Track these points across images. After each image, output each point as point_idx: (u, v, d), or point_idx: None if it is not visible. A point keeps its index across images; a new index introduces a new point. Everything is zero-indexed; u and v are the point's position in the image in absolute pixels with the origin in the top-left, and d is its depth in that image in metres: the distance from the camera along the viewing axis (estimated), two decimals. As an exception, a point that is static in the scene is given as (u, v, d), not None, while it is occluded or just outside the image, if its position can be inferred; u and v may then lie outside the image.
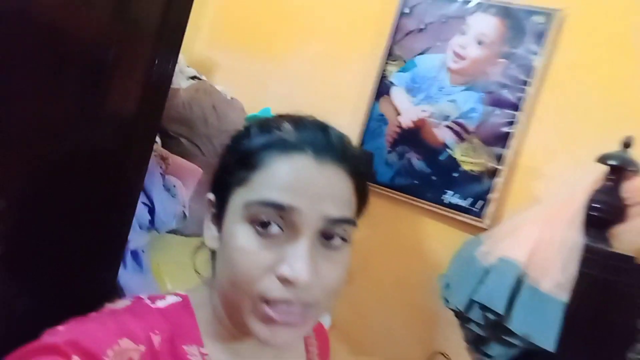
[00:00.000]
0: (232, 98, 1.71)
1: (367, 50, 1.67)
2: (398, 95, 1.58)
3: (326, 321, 1.57)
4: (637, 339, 1.20)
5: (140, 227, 1.24)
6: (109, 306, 0.59)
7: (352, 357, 1.60)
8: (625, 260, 1.19)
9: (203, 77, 1.72)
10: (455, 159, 1.50)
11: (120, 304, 0.60)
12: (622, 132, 1.22)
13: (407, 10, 1.58)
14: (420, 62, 1.56)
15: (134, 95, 0.97)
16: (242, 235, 0.55)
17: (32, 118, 0.81)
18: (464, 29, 1.51)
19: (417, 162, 1.54)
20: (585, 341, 1.21)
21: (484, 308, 1.22)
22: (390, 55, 1.60)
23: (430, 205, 1.52)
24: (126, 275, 1.15)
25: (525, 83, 1.42)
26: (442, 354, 1.48)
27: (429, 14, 1.55)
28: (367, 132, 1.62)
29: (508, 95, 1.44)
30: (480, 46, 1.48)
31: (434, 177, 1.52)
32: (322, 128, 0.61)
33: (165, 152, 1.41)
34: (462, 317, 1.33)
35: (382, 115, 1.60)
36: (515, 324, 1.18)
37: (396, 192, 1.56)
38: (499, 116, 1.45)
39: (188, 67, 1.74)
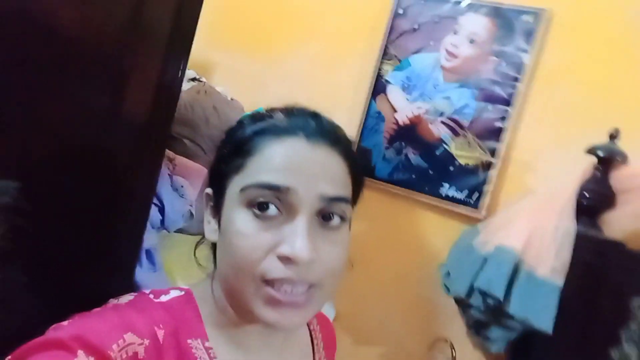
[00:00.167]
0: (232, 99, 1.75)
1: (363, 50, 1.72)
2: (394, 93, 1.64)
3: (330, 313, 1.63)
4: (628, 319, 1.27)
5: (152, 227, 1.28)
6: (113, 301, 0.60)
7: (356, 346, 1.66)
8: (615, 245, 1.27)
9: (203, 79, 1.75)
10: (451, 153, 1.56)
11: (124, 299, 0.61)
12: (609, 125, 1.29)
13: (400, 11, 1.64)
14: (415, 61, 1.62)
15: (148, 100, 1.01)
16: (240, 220, 0.56)
17: (55, 122, 0.84)
18: (456, 29, 1.57)
19: (414, 157, 1.60)
20: (579, 323, 1.28)
21: (484, 294, 1.28)
22: (385, 55, 1.65)
23: (428, 198, 1.58)
24: (142, 274, 1.19)
25: (515, 79, 1.49)
26: (444, 340, 1.54)
27: (422, 15, 1.61)
28: (364, 129, 1.67)
29: (500, 91, 1.50)
30: (472, 45, 1.54)
31: (431, 171, 1.58)
32: (313, 114, 0.62)
33: (171, 154, 1.45)
34: (463, 304, 1.40)
35: (379, 112, 1.66)
36: (513, 308, 1.24)
37: (395, 187, 1.62)
38: (491, 112, 1.51)
39: (188, 69, 1.77)
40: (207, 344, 0.59)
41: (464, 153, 1.54)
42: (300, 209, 0.55)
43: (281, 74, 1.82)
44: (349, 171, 0.61)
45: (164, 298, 0.61)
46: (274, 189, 0.55)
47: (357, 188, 0.64)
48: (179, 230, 1.44)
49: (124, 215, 1.02)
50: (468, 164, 1.53)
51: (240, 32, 1.91)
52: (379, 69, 1.66)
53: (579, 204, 1.29)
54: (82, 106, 0.88)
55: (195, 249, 0.73)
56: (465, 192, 1.53)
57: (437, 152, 1.58)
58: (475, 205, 1.52)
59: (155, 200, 1.28)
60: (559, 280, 1.23)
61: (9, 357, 0.49)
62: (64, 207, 0.90)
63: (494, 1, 1.52)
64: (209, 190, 0.65)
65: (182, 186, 1.39)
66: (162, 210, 1.31)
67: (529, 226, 1.30)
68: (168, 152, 1.46)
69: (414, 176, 1.60)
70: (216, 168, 0.63)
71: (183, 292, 0.64)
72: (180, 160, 1.46)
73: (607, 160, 1.27)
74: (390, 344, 1.65)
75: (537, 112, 1.48)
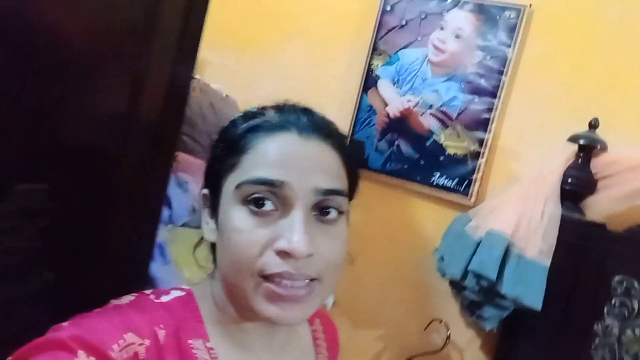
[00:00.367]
0: (226, 95, 1.79)
1: (352, 46, 1.78)
2: (384, 87, 1.70)
3: (329, 299, 1.70)
4: (610, 295, 1.37)
5: (161, 222, 1.32)
6: (114, 302, 0.60)
7: (355, 330, 1.74)
8: (596, 227, 1.37)
9: (197, 76, 1.79)
10: (440, 144, 1.63)
11: (125, 299, 0.60)
12: (589, 115, 1.38)
13: (388, 8, 1.70)
14: (404, 56, 1.68)
15: (160, 102, 1.05)
16: (236, 217, 0.56)
17: (75, 126, 0.88)
18: (442, 25, 1.64)
19: (405, 148, 1.67)
20: (564, 300, 1.38)
21: (477, 276, 1.37)
22: (375, 51, 1.72)
23: (419, 187, 1.66)
24: (155, 267, 1.24)
25: (500, 72, 1.57)
26: (439, 321, 1.63)
27: (409, 11, 1.67)
28: (357, 122, 1.73)
29: (485, 84, 1.58)
30: (457, 40, 1.61)
31: (422, 161, 1.65)
32: (304, 110, 0.62)
33: (174, 151, 1.49)
34: (457, 286, 1.48)
35: (370, 106, 1.72)
36: (505, 288, 1.33)
37: (388, 177, 1.69)
38: (478, 103, 1.59)
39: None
40: (208, 344, 0.59)
41: (453, 143, 1.62)
42: (296, 203, 0.55)
43: (272, 71, 1.87)
44: (343, 164, 0.61)
45: (164, 298, 0.61)
46: (269, 184, 0.55)
47: (352, 181, 0.64)
48: (184, 224, 1.49)
49: (140, 213, 1.06)
50: (457, 154, 1.61)
51: (231, 30, 1.94)
52: (369, 64, 1.72)
53: (563, 189, 1.38)
54: (100, 110, 0.92)
55: (194, 250, 0.73)
56: (455, 180, 1.61)
57: (428, 143, 1.65)
58: (464, 193, 1.60)
59: (162, 197, 1.32)
60: (547, 261, 1.32)
61: (10, 358, 0.50)
62: (85, 208, 0.94)
63: (478, -2, 1.60)
64: (205, 191, 0.65)
65: (186, 182, 1.44)
66: (169, 205, 1.35)
67: (518, 211, 1.39)
68: (170, 150, 1.50)
69: (405, 166, 1.67)
70: (211, 168, 0.63)
71: (184, 292, 0.63)
72: (183, 156, 1.50)
73: (588, 148, 1.36)
74: (388, 327, 1.73)
75: (521, 103, 1.57)
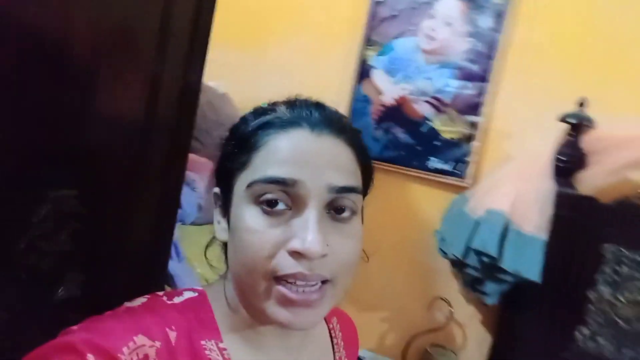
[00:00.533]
0: (224, 93, 1.82)
1: (346, 38, 1.82)
2: (379, 76, 1.75)
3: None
4: (602, 264, 1.45)
5: (173, 220, 1.36)
6: (126, 304, 0.59)
7: (361, 313, 1.80)
8: (588, 200, 1.44)
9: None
10: (435, 129, 1.69)
11: (137, 301, 0.59)
12: (578, 94, 1.45)
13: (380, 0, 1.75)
14: (396, 46, 1.73)
15: (176, 105, 1.09)
16: (249, 216, 0.54)
17: (100, 130, 0.91)
18: (432, 13, 1.69)
19: (401, 135, 1.73)
20: (560, 270, 1.45)
21: (479, 253, 1.44)
22: (368, 41, 1.76)
23: (417, 172, 1.72)
24: (172, 265, 1.28)
25: (490, 57, 1.63)
26: (442, 299, 1.70)
27: (400, 2, 1.72)
28: (353, 112, 1.79)
29: (476, 69, 1.65)
30: (448, 27, 1.67)
31: (418, 147, 1.72)
32: (316, 105, 0.61)
33: (179, 150, 1.52)
34: (459, 264, 1.55)
35: (365, 96, 1.77)
36: (506, 263, 1.40)
37: (385, 164, 1.75)
38: (470, 88, 1.65)
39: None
40: (221, 345, 0.58)
41: (448, 128, 1.68)
42: (309, 202, 0.53)
43: (270, 66, 1.90)
44: (356, 160, 0.59)
45: (177, 300, 0.60)
46: (281, 182, 0.53)
47: (366, 177, 0.62)
48: (192, 222, 1.53)
49: (161, 212, 1.10)
50: (452, 138, 1.68)
51: (228, 27, 1.96)
52: (363, 55, 1.77)
53: (555, 166, 1.46)
54: (120, 115, 0.95)
55: (205, 249, 0.71)
56: (451, 163, 1.68)
57: (423, 129, 1.71)
58: (461, 175, 1.67)
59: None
60: (544, 235, 1.40)
61: None
62: (110, 211, 0.98)
63: (466, -14, 1.66)
64: (217, 190, 0.63)
65: (193, 180, 1.47)
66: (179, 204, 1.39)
67: (514, 190, 1.46)
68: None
69: (402, 153, 1.73)
70: (222, 166, 0.62)
71: (197, 294, 0.62)
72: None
73: (578, 126, 1.44)
74: (392, 308, 1.80)
75: (511, 86, 1.63)
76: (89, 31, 0.84)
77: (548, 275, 1.41)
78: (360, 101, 1.78)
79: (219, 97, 1.79)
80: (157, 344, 0.53)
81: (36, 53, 0.75)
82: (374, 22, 1.75)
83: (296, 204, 0.54)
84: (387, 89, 1.74)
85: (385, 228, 1.78)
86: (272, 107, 0.61)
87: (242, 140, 0.58)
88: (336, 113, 0.62)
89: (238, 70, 1.91)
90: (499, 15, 1.61)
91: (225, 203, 0.60)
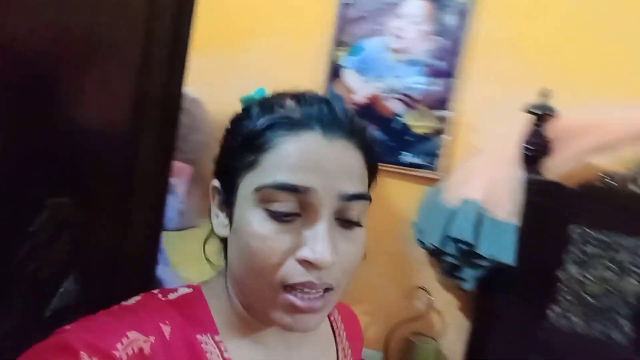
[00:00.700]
0: (195, 98, 1.83)
1: (317, 39, 1.86)
2: (350, 76, 1.80)
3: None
4: (569, 244, 1.54)
5: (158, 226, 1.37)
6: (122, 303, 0.58)
7: (344, 307, 1.84)
8: (554, 185, 1.53)
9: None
10: (407, 125, 1.76)
11: (132, 300, 0.59)
12: (540, 85, 1.54)
13: (347, 1, 1.80)
14: (366, 46, 1.79)
15: (161, 113, 1.10)
16: (256, 221, 0.53)
17: (94, 140, 0.92)
18: (399, 13, 1.75)
19: (374, 132, 1.79)
20: (531, 252, 1.53)
21: (456, 241, 1.50)
22: (338, 42, 1.81)
23: (391, 167, 1.78)
24: (160, 269, 1.29)
25: (456, 54, 1.70)
26: (420, 288, 1.76)
27: (368, 3, 1.78)
28: (327, 112, 1.82)
29: (443, 66, 1.72)
30: (415, 27, 1.74)
31: (391, 143, 1.77)
32: (326, 102, 0.58)
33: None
34: (437, 253, 1.61)
35: (338, 95, 1.82)
36: (482, 249, 1.47)
37: (360, 161, 1.79)
38: (438, 84, 1.72)
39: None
40: (217, 338, 0.57)
41: (418, 123, 1.75)
42: (320, 209, 0.52)
43: (240, 70, 1.92)
44: (365, 163, 0.58)
45: (172, 296, 0.60)
46: (292, 189, 0.51)
47: (371, 178, 0.61)
48: (174, 227, 1.53)
49: (151, 219, 1.11)
50: (423, 133, 1.74)
51: (197, 32, 1.97)
52: (334, 56, 1.82)
53: (523, 155, 1.54)
54: (109, 125, 0.96)
55: (204, 245, 0.69)
56: (424, 157, 1.74)
57: (395, 125, 1.77)
58: (433, 168, 1.74)
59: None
60: (516, 220, 1.47)
61: None
62: (104, 218, 0.99)
63: (430, -14, 1.73)
64: (216, 184, 0.61)
65: (173, 185, 1.48)
66: (162, 209, 1.40)
67: (485, 179, 1.53)
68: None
69: (376, 149, 1.78)
70: (225, 162, 0.59)
71: (191, 289, 0.62)
72: (167, 160, 1.54)
73: (542, 116, 1.52)
74: (373, 301, 1.85)
75: (477, 80, 1.71)
76: (77, 41, 0.85)
77: (520, 259, 1.49)
78: (332, 101, 1.82)
79: (191, 101, 1.80)
80: (151, 338, 0.52)
81: (27, 63, 0.76)
82: (343, 23, 1.80)
83: (306, 211, 0.53)
84: (359, 88, 1.79)
85: (364, 222, 1.83)
86: (279, 100, 0.58)
87: (248, 138, 0.55)
88: (346, 112, 0.58)
89: (207, 74, 1.92)
90: (463, 14, 1.69)
91: (227, 200, 0.58)
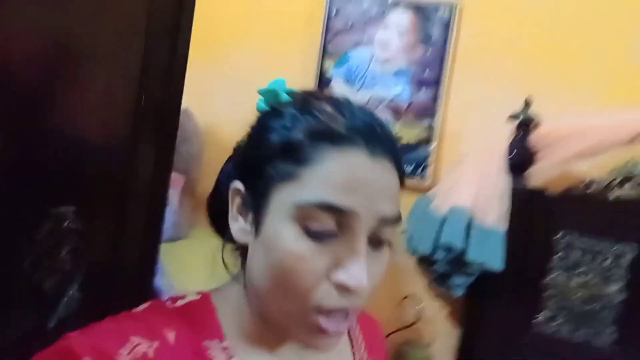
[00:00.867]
0: (185, 108, 1.82)
1: (304, 49, 1.88)
2: (338, 86, 1.82)
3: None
4: (555, 250, 1.57)
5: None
6: (131, 310, 0.59)
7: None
8: (538, 193, 1.57)
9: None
10: (395, 134, 1.78)
11: (140, 307, 0.59)
12: (524, 93, 1.58)
13: (333, 13, 1.82)
14: (353, 56, 1.81)
15: (159, 125, 1.10)
16: (292, 238, 0.51)
17: (96, 150, 0.92)
18: (385, 24, 1.78)
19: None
20: (517, 259, 1.56)
21: (447, 249, 1.52)
22: (325, 52, 1.83)
23: (379, 176, 1.79)
24: (157, 280, 1.28)
25: (441, 63, 1.74)
26: (410, 296, 1.78)
27: (354, 14, 1.81)
28: (315, 122, 1.84)
29: (429, 75, 1.75)
30: (400, 37, 1.77)
31: (379, 152, 1.79)
32: (369, 116, 0.56)
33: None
34: (427, 261, 1.63)
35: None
36: (472, 255, 1.49)
37: (349, 170, 1.81)
38: (424, 93, 1.76)
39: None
40: (224, 344, 0.57)
41: (406, 133, 1.77)
42: (359, 232, 0.51)
43: (227, 80, 1.93)
44: (399, 182, 0.56)
45: (179, 303, 0.59)
46: (337, 211, 0.50)
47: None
48: (168, 238, 1.52)
49: (150, 230, 1.11)
50: (411, 142, 1.77)
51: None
52: (321, 66, 1.84)
53: (508, 162, 1.57)
54: (111, 136, 0.97)
55: (222, 252, 0.65)
56: (412, 166, 1.77)
57: (383, 135, 1.79)
58: (421, 176, 1.76)
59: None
60: (503, 227, 1.50)
61: None
62: (106, 228, 0.99)
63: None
64: (239, 185, 0.57)
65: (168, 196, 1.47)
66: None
67: (473, 187, 1.56)
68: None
69: (365, 158, 1.80)
70: (253, 164, 0.56)
71: (199, 296, 0.61)
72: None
73: (525, 124, 1.56)
74: (364, 310, 1.85)
75: (462, 90, 1.75)
76: (77, 51, 0.85)
77: (508, 265, 1.51)
78: (320, 111, 1.83)
79: (182, 113, 1.80)
80: (155, 343, 0.52)
81: (29, 73, 0.76)
82: (330, 34, 1.82)
83: (343, 232, 0.51)
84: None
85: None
86: (316, 104, 0.55)
87: (288, 147, 0.52)
88: (386, 127, 0.56)
89: (195, 84, 1.92)
90: (446, 25, 1.73)
91: (253, 205, 0.55)
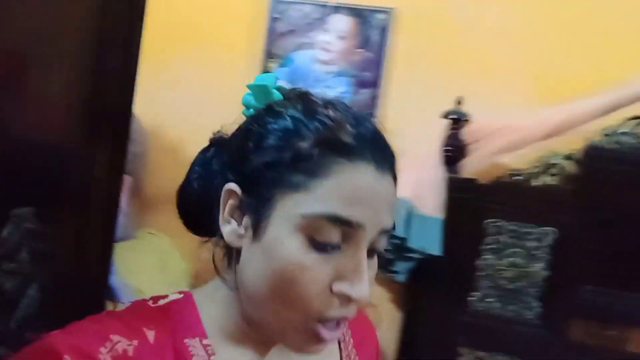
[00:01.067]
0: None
1: (247, 52, 1.93)
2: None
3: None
4: (482, 235, 1.72)
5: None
6: (113, 310, 0.59)
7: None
8: (470, 182, 1.71)
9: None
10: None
11: (121, 306, 0.59)
12: (454, 93, 1.72)
13: (277, 15, 1.89)
14: (296, 58, 1.89)
15: (112, 130, 1.12)
16: (296, 248, 0.50)
17: (51, 155, 0.94)
18: (326, 28, 1.88)
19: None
20: (452, 244, 1.70)
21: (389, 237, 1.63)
22: (269, 54, 1.90)
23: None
24: (111, 278, 1.30)
25: (379, 65, 1.86)
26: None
27: (296, 18, 1.89)
28: (260, 122, 1.90)
29: (368, 76, 1.87)
30: (341, 40, 1.87)
31: (322, 150, 1.88)
32: (372, 123, 0.56)
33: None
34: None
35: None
36: (413, 242, 1.61)
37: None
38: (365, 94, 1.87)
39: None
40: (205, 342, 0.56)
41: (348, 130, 1.87)
42: (362, 244, 0.51)
43: (173, 83, 1.95)
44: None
45: (161, 302, 0.58)
46: (346, 224, 0.49)
47: None
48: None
49: (107, 230, 1.13)
50: (352, 140, 1.87)
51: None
52: (265, 68, 1.90)
53: (443, 156, 1.71)
54: (69, 141, 0.99)
55: (213, 256, 0.62)
56: (354, 161, 1.87)
57: (326, 133, 1.88)
58: (362, 171, 1.86)
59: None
60: (440, 215, 1.63)
61: None
62: (65, 229, 1.00)
63: (353, 3, 1.87)
64: (234, 187, 0.55)
65: (116, 196, 1.48)
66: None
67: (412, 179, 1.68)
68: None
69: (309, 156, 1.88)
70: (253, 169, 0.53)
71: (182, 295, 0.60)
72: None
73: (457, 121, 1.70)
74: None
75: (400, 90, 1.87)
76: (18, 57, 0.87)
77: (445, 250, 1.65)
78: (265, 111, 1.90)
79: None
80: (135, 342, 0.51)
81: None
82: (273, 36, 1.90)
83: (347, 243, 0.51)
84: (290, 98, 1.88)
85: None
86: (317, 105, 0.55)
87: (296, 157, 0.51)
88: (388, 142, 0.57)
89: (138, 86, 1.92)
90: (384, 29, 1.85)
91: (253, 211, 0.53)
